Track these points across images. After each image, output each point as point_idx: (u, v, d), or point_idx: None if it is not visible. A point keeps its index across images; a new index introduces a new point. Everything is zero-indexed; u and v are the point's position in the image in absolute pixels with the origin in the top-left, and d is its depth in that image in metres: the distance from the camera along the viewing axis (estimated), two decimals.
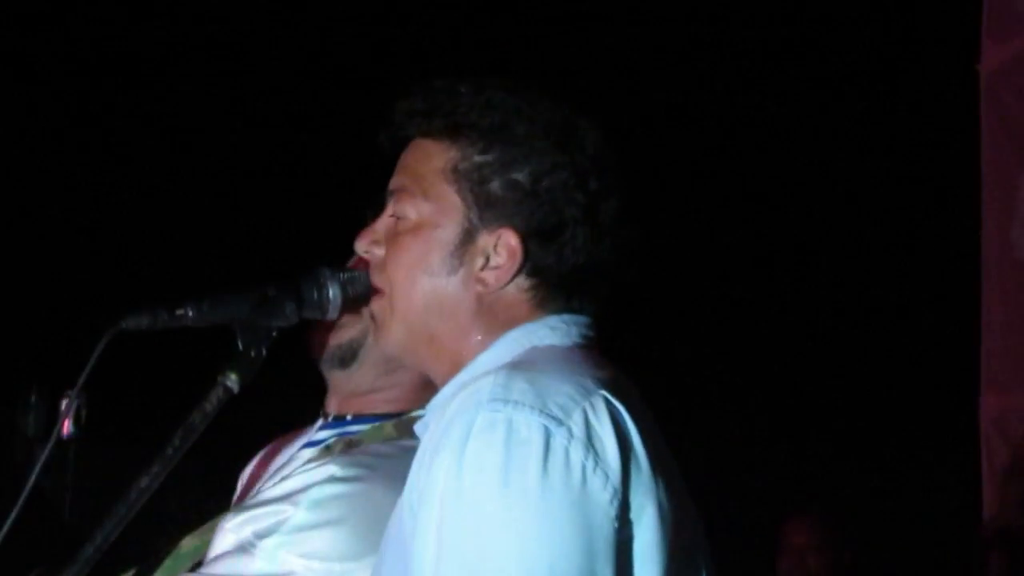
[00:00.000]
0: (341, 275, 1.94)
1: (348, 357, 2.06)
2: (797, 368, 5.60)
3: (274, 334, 1.91)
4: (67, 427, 1.94)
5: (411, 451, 1.91)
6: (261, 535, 1.86)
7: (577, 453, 1.49)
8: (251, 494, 2.04)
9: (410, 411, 2.06)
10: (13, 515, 1.78)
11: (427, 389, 1.98)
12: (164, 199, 4.64)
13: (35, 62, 4.50)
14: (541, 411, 1.50)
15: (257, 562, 1.85)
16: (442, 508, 1.48)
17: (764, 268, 5.62)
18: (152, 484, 1.80)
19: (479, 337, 1.69)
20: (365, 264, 1.84)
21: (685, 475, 1.70)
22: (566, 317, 1.70)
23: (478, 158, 1.68)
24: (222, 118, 4.71)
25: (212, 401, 1.84)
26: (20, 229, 4.49)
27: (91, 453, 1.90)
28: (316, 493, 1.89)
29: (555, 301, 1.70)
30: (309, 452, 2.06)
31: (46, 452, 1.87)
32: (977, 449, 4.81)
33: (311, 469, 1.94)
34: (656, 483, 1.56)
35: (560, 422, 1.50)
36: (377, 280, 1.76)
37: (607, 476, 1.50)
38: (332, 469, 1.92)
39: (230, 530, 1.90)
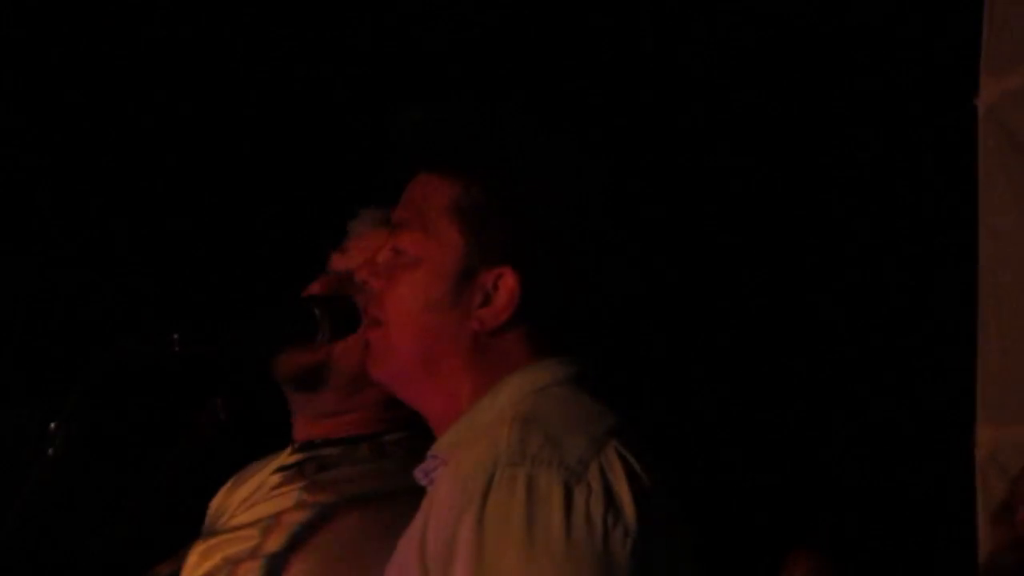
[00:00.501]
0: (330, 303, 1.96)
1: (314, 380, 2.05)
2: (791, 402, 5.59)
3: (261, 360, 1.93)
4: (56, 450, 1.94)
5: (391, 475, 1.92)
6: (232, 560, 1.86)
7: (598, 509, 1.51)
8: (220, 522, 2.04)
9: (381, 432, 2.06)
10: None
11: (393, 408, 2.02)
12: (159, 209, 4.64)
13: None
14: (560, 466, 1.52)
15: None
16: (469, 564, 1.48)
17: (758, 298, 5.62)
18: (140, 513, 1.81)
19: (475, 377, 1.68)
20: (328, 287, 1.86)
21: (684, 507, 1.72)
22: (565, 359, 1.70)
23: (481, 196, 1.68)
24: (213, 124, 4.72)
25: (200, 428, 1.84)
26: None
27: (80, 477, 1.91)
28: (288, 518, 1.89)
29: (554, 342, 1.70)
30: (279, 477, 2.05)
31: (35, 475, 1.88)
32: (972, 484, 4.80)
33: (283, 494, 1.94)
34: (666, 531, 1.57)
35: (579, 477, 1.52)
36: (374, 311, 1.77)
37: (627, 531, 1.51)
38: (304, 495, 1.92)
39: (201, 556, 1.90)
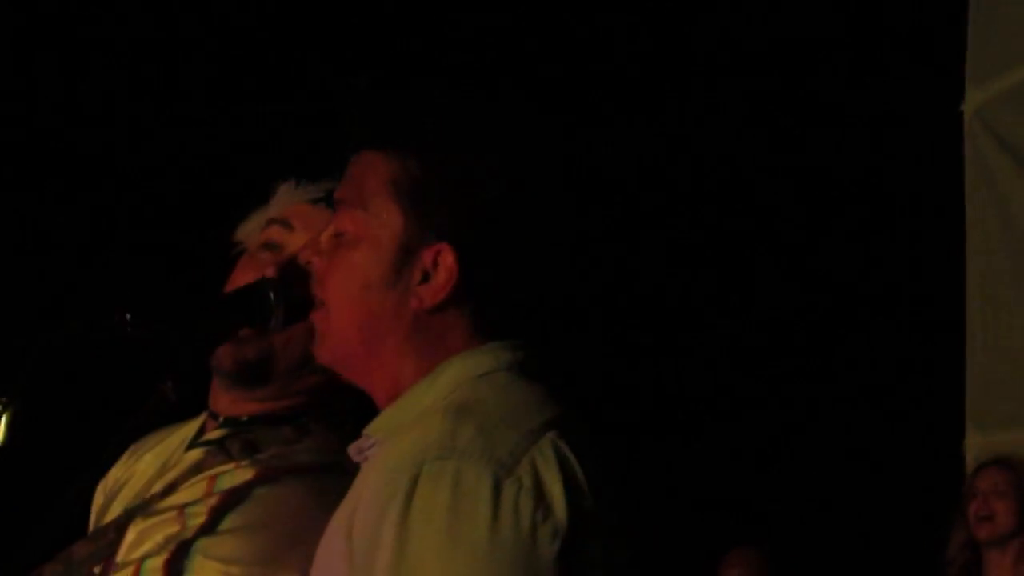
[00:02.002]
0: (285, 287, 1.92)
1: (257, 376, 1.98)
2: (774, 402, 5.56)
3: (214, 343, 1.89)
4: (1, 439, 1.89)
5: (318, 451, 1.88)
6: (173, 539, 1.82)
7: (527, 504, 1.44)
8: (137, 498, 1.97)
9: (304, 414, 2.00)
10: None
11: (324, 395, 1.98)
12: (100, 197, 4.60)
13: None
14: (489, 460, 1.46)
15: (165, 570, 1.80)
16: (391, 558, 1.44)
17: (741, 298, 5.59)
18: (84, 494, 1.76)
19: (417, 357, 1.64)
20: (282, 269, 1.82)
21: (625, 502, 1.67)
22: (508, 343, 1.64)
23: (418, 171, 1.64)
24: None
25: (148, 410, 1.81)
26: None
27: (23, 463, 1.86)
28: (234, 496, 1.85)
29: (496, 323, 1.65)
30: (198, 453, 1.99)
31: None
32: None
33: (215, 472, 1.89)
34: (602, 529, 1.51)
35: (509, 471, 1.46)
36: (318, 291, 1.73)
37: (556, 529, 1.45)
38: (245, 473, 1.88)
39: (139, 536, 1.86)
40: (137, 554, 1.84)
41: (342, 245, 1.68)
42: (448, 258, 1.61)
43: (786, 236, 5.57)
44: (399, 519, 1.43)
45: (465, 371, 1.61)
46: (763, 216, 5.56)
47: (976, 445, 4.83)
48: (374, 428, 1.65)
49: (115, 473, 2.12)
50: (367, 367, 1.68)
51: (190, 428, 2.07)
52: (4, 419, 1.79)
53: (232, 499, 1.85)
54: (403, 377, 1.64)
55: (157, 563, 1.81)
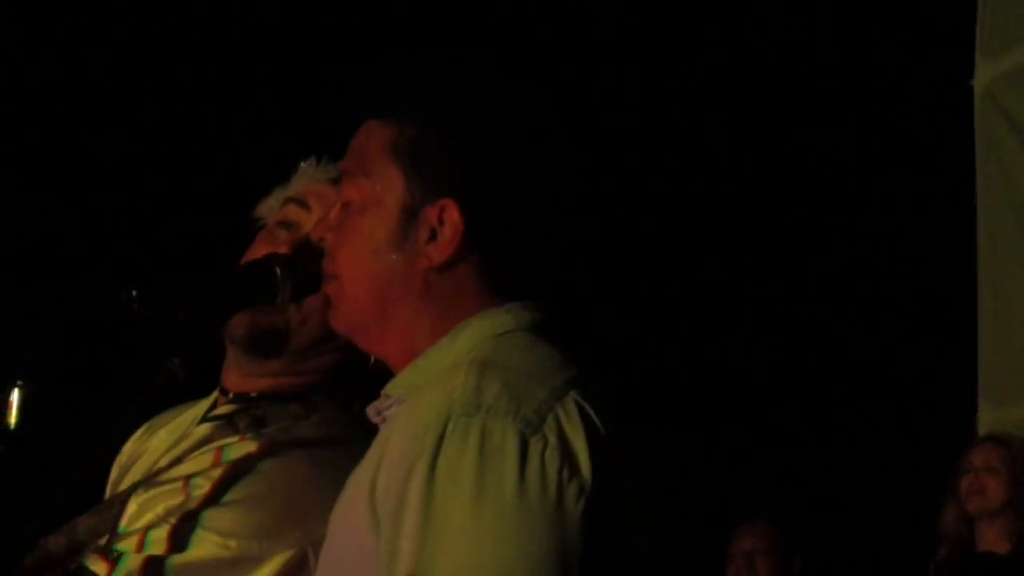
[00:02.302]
0: (292, 262, 1.92)
1: (271, 345, 1.98)
2: (787, 374, 5.55)
3: (221, 319, 1.89)
4: (13, 417, 1.90)
5: (325, 425, 1.88)
6: (174, 511, 1.82)
7: (553, 462, 1.44)
8: (147, 471, 1.98)
9: (314, 392, 2.01)
10: None
11: (335, 374, 2.00)
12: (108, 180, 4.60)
13: None
14: (516, 417, 1.45)
15: (168, 542, 1.81)
16: (418, 517, 1.43)
17: (754, 273, 5.58)
18: (96, 468, 1.77)
19: (430, 317, 1.64)
20: (295, 247, 1.82)
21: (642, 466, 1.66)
22: (527, 304, 1.64)
23: (416, 131, 1.65)
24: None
25: (156, 387, 1.81)
26: None
27: (37, 443, 1.87)
28: (230, 469, 1.85)
29: (507, 278, 1.65)
30: (207, 427, 1.99)
31: None
32: None
33: (221, 445, 1.90)
34: (624, 489, 1.51)
35: (535, 428, 1.45)
36: (329, 265, 1.74)
37: (582, 487, 1.45)
38: (250, 445, 1.88)
39: (141, 507, 1.86)
40: (140, 524, 1.84)
41: (349, 215, 1.69)
42: (452, 213, 1.61)
43: (797, 211, 5.55)
44: (426, 478, 1.43)
45: (484, 330, 1.61)
46: (775, 190, 5.54)
47: (988, 419, 4.83)
48: (393, 387, 1.65)
49: (129, 448, 2.14)
50: (381, 332, 1.68)
51: (203, 405, 2.08)
52: (15, 400, 1.79)
53: (236, 471, 1.85)
54: (418, 338, 1.64)
55: (161, 534, 1.81)
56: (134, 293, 1.80)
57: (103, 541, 1.85)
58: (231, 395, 2.03)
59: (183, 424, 2.07)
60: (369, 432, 1.71)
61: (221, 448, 1.90)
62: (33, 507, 1.74)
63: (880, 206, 5.52)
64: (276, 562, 1.81)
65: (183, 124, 4.63)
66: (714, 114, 5.45)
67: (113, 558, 1.82)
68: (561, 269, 1.70)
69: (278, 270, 1.91)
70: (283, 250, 1.97)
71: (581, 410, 1.50)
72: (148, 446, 2.08)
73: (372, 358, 1.96)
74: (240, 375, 2.03)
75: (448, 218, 1.62)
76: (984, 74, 5.13)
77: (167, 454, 1.99)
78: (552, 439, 1.45)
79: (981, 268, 5.01)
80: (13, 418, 1.89)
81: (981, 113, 5.09)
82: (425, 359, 1.62)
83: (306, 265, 1.93)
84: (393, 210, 1.64)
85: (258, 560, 1.80)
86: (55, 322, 1.75)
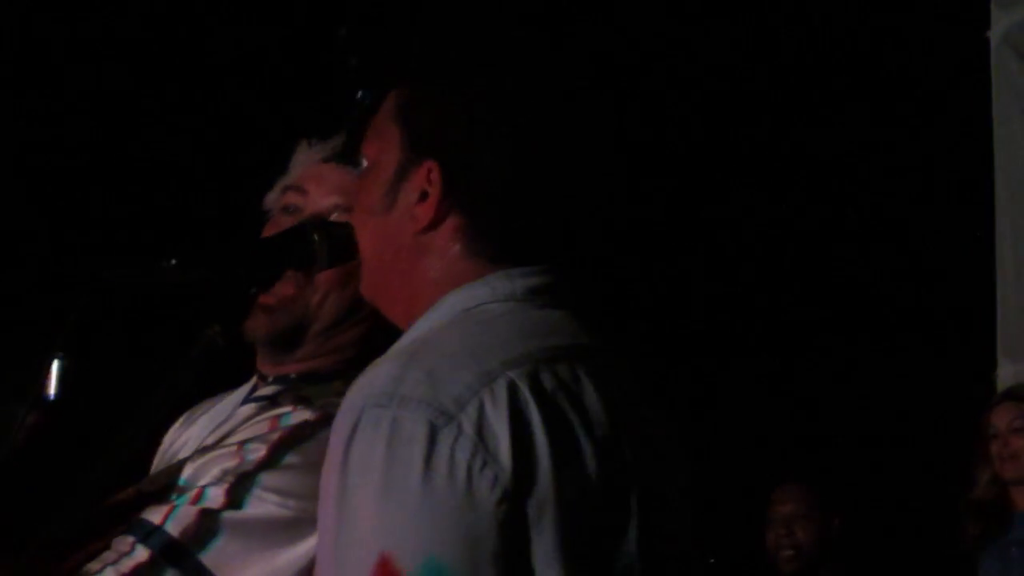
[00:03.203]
0: (328, 228, 1.92)
1: (293, 341, 2.01)
2: (808, 335, 5.54)
3: (261, 287, 1.88)
4: (52, 389, 1.90)
5: None
6: (232, 472, 1.82)
7: (464, 452, 1.39)
8: (195, 449, 1.98)
9: (356, 369, 2.00)
10: None
11: (365, 346, 1.99)
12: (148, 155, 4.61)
13: None
14: (429, 405, 1.41)
15: (226, 498, 1.80)
16: (334, 508, 1.42)
17: (773, 235, 5.56)
18: (135, 440, 1.75)
19: (423, 282, 1.62)
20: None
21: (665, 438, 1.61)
22: (516, 271, 1.60)
23: (410, 92, 1.66)
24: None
25: (197, 356, 1.79)
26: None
27: (77, 414, 1.86)
28: (295, 434, 1.84)
29: (494, 241, 1.61)
30: (251, 408, 2.00)
31: (30, 415, 1.84)
32: None
33: (283, 414, 1.89)
34: (567, 483, 1.43)
35: (450, 417, 1.41)
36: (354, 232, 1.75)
37: (496, 476, 1.39)
38: (305, 414, 1.88)
39: (196, 470, 1.85)
40: (196, 484, 1.84)
41: (361, 175, 1.71)
42: (436, 174, 1.60)
43: (815, 167, 5.53)
44: (340, 468, 1.42)
45: (456, 305, 1.58)
46: (799, 141, 5.51)
47: (1008, 375, 4.82)
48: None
49: (170, 438, 2.16)
50: (388, 296, 1.68)
51: (241, 391, 2.10)
52: (54, 371, 1.79)
53: (294, 436, 1.85)
54: (415, 305, 1.63)
55: (218, 492, 1.80)
56: (173, 262, 1.79)
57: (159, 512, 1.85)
58: (271, 378, 2.05)
59: (223, 409, 2.08)
60: None
61: (278, 416, 1.90)
62: (73, 479, 1.73)
63: (898, 161, 5.49)
64: None
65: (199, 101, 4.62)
66: (726, 62, 5.41)
67: (169, 508, 1.81)
68: (566, 233, 1.65)
69: (315, 236, 1.90)
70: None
71: (513, 394, 1.44)
72: (189, 433, 2.10)
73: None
74: (275, 361, 2.05)
75: (433, 179, 1.60)
76: (1000, 22, 5.10)
77: (213, 433, 1.99)
78: (468, 427, 1.40)
79: (999, 221, 4.99)
80: (52, 389, 1.89)
81: (998, 63, 5.06)
82: (405, 337, 1.61)
83: (339, 230, 1.92)
84: (387, 171, 1.65)
85: (315, 522, 1.79)
86: (95, 292, 1.74)
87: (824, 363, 5.51)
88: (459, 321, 1.56)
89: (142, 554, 1.76)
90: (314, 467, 1.78)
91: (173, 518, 1.79)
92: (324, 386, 1.99)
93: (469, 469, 1.39)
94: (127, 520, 1.84)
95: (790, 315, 5.55)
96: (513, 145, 1.60)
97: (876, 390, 5.43)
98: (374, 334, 1.99)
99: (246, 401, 2.05)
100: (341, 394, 1.93)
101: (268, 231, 2.07)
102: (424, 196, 1.61)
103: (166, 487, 1.89)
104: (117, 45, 4.61)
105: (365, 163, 1.70)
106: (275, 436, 1.85)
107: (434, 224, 1.61)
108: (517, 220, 1.61)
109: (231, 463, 1.83)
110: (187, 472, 1.88)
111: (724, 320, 5.55)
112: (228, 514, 1.78)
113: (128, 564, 1.76)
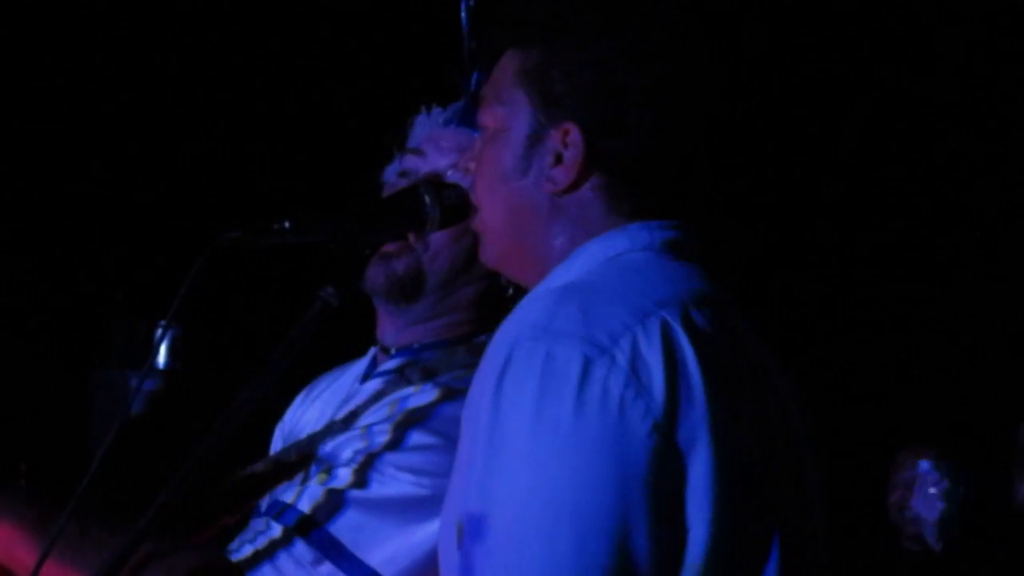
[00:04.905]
0: (439, 189, 1.90)
1: (410, 290, 1.99)
2: (927, 304, 5.48)
3: (371, 249, 1.88)
4: (163, 357, 1.89)
5: None
6: (361, 453, 1.82)
7: (617, 383, 1.40)
8: (310, 430, 1.99)
9: (472, 333, 2.01)
10: (106, 445, 1.74)
11: (482, 308, 2.01)
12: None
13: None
14: (583, 339, 1.43)
15: (354, 478, 1.80)
16: (485, 443, 1.42)
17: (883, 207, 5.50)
18: (252, 403, 1.74)
19: (560, 242, 1.63)
20: None
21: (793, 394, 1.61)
22: (654, 224, 1.62)
23: (539, 55, 1.65)
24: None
25: (311, 317, 1.78)
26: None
27: (189, 383, 1.86)
28: (418, 415, 1.84)
29: (632, 199, 1.63)
30: (377, 383, 1.99)
31: (141, 383, 1.85)
32: None
33: (404, 396, 1.88)
34: (719, 415, 1.44)
35: (603, 350, 1.42)
36: (473, 196, 1.74)
37: (649, 408, 1.40)
38: (428, 394, 1.88)
39: (325, 452, 1.85)
40: (327, 464, 1.84)
41: (483, 143, 1.70)
42: (575, 136, 1.61)
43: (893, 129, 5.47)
44: (492, 403, 1.42)
45: (597, 254, 1.60)
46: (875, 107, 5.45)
47: None
48: None
49: (291, 415, 2.17)
50: (520, 261, 1.68)
51: (360, 364, 2.10)
52: (166, 343, 1.78)
53: (416, 417, 1.84)
54: (549, 262, 1.64)
55: (346, 472, 1.81)
56: (287, 224, 1.79)
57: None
58: (393, 350, 2.04)
59: (344, 386, 2.08)
60: None
61: (398, 400, 1.89)
62: (190, 442, 1.72)
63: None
64: None
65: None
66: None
67: (300, 488, 1.82)
68: (695, 190, 1.67)
69: (427, 198, 1.89)
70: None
71: (667, 331, 1.46)
72: (312, 410, 2.10)
73: (509, 287, 1.96)
74: (394, 328, 2.04)
75: (571, 141, 1.61)
76: None
77: (340, 409, 1.99)
78: (621, 360, 1.42)
79: None
80: (162, 356, 1.88)
81: None
82: (541, 285, 1.61)
83: (451, 190, 1.92)
84: (519, 135, 1.65)
85: None
86: (210, 254, 1.74)
87: (957, 327, 5.44)
88: (605, 266, 1.58)
89: (276, 530, 1.77)
90: (442, 446, 1.78)
91: (304, 496, 1.80)
92: (448, 354, 1.99)
93: (622, 400, 1.40)
94: (258, 495, 1.84)
95: (916, 278, 5.49)
96: (654, 107, 1.61)
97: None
98: (491, 293, 2.01)
99: (370, 376, 2.04)
100: (466, 365, 1.93)
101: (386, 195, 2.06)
102: (559, 158, 1.62)
103: (296, 464, 1.90)
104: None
105: (487, 130, 1.69)
106: (400, 417, 1.85)
107: (574, 186, 1.62)
108: (653, 180, 1.63)
109: (360, 445, 1.84)
110: (318, 449, 1.90)
111: (848, 274, 5.51)
112: (357, 492, 1.78)
113: (263, 541, 1.76)
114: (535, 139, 1.63)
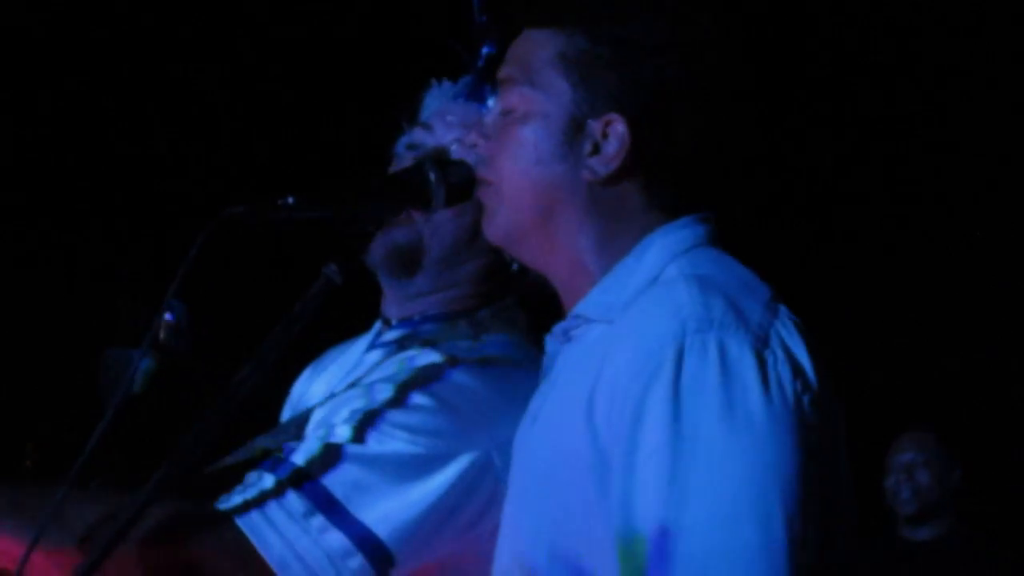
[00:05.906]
0: (444, 165, 1.90)
1: (409, 261, 2.02)
2: (927, 288, 5.47)
3: (375, 226, 1.87)
4: (164, 334, 1.89)
5: (494, 345, 1.91)
6: (360, 411, 1.82)
7: (787, 375, 1.46)
8: (326, 396, 1.98)
9: (475, 308, 2.03)
10: (106, 421, 1.74)
11: (485, 283, 2.02)
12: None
13: None
14: (747, 331, 1.47)
15: (353, 434, 1.80)
16: (664, 432, 1.44)
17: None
18: (253, 378, 1.74)
19: (596, 232, 1.65)
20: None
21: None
22: (699, 217, 1.65)
23: (585, 44, 1.65)
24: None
25: (315, 293, 1.78)
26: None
27: (193, 361, 1.85)
28: (423, 374, 1.85)
29: (671, 194, 1.65)
30: (378, 354, 2.01)
31: (141, 360, 1.85)
32: None
33: (409, 358, 1.89)
34: (833, 399, 1.52)
35: (765, 342, 1.47)
36: (484, 172, 1.74)
37: (814, 397, 1.47)
38: (431, 356, 1.88)
39: (325, 414, 1.85)
40: (326, 423, 1.84)
41: (510, 123, 1.69)
42: (619, 127, 1.62)
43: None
44: (670, 393, 1.44)
45: (669, 247, 1.62)
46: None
47: None
48: (584, 308, 1.65)
49: (299, 389, 2.20)
50: (542, 244, 1.69)
51: (366, 338, 2.12)
52: (167, 323, 1.79)
53: (421, 376, 1.85)
54: (582, 252, 1.65)
55: (345, 428, 1.81)
56: (291, 200, 1.78)
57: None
58: (394, 322, 2.06)
59: (350, 357, 2.10)
60: (536, 350, 1.77)
61: (405, 359, 1.90)
62: (194, 418, 1.72)
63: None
64: (462, 462, 1.80)
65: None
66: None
67: (297, 445, 1.82)
68: (728, 185, 1.70)
69: (432, 175, 1.88)
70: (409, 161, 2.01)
71: (797, 324, 1.52)
72: (319, 383, 2.12)
73: (514, 263, 1.96)
74: (396, 301, 2.06)
75: (614, 132, 1.62)
76: None
77: (343, 381, 2.00)
78: (780, 352, 1.47)
79: None
80: (162, 333, 1.88)
81: None
82: (613, 278, 1.62)
83: (456, 168, 1.91)
84: (558, 121, 1.65)
85: (445, 459, 1.79)
86: (214, 229, 1.73)
87: (955, 310, 5.43)
88: (699, 259, 1.60)
89: (268, 481, 1.77)
90: (442, 407, 1.78)
91: (300, 450, 1.81)
92: (450, 327, 2.00)
93: (795, 390, 1.46)
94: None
95: (923, 261, 5.49)
96: (689, 99, 1.63)
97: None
98: (492, 269, 2.03)
99: (372, 347, 2.05)
100: (467, 336, 1.94)
101: (393, 169, 2.08)
102: (596, 148, 1.63)
103: (297, 432, 1.90)
104: None
105: (514, 110, 1.69)
106: (402, 377, 1.85)
107: (614, 177, 1.63)
108: (693, 174, 1.66)
109: (359, 403, 1.84)
110: (318, 415, 1.90)
111: (855, 264, 5.50)
112: (354, 448, 1.78)
113: (253, 492, 1.77)
114: (575, 126, 1.64)
